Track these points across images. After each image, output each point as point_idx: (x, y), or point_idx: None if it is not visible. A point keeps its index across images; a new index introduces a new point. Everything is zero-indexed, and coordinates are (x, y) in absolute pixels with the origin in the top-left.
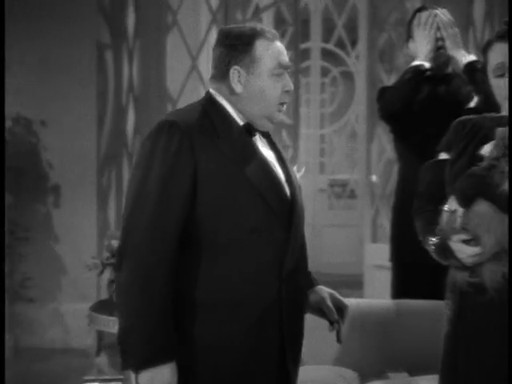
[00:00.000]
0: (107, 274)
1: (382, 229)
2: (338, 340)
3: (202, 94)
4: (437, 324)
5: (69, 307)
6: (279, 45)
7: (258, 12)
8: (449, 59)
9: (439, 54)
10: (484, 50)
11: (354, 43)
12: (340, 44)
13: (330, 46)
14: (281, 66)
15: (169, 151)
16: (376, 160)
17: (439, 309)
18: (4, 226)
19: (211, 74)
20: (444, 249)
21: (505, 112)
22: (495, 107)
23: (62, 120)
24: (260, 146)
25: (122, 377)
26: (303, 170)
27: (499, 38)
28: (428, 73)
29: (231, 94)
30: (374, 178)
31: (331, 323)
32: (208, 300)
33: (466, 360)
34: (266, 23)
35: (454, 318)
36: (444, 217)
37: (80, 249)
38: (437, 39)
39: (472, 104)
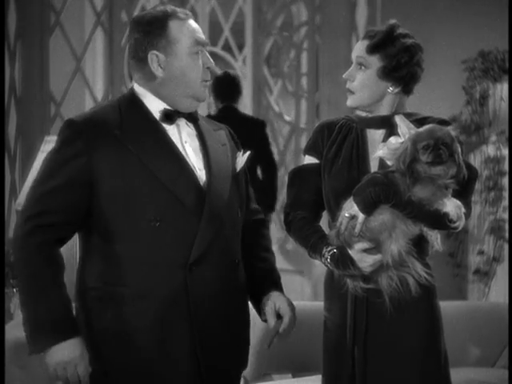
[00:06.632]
0: None
1: None
2: (268, 345)
3: (87, 95)
4: (317, 326)
5: None
6: (193, 23)
7: None
8: None
9: None
10: None
11: (240, 47)
12: (227, 48)
13: (217, 50)
14: (198, 43)
15: (61, 150)
16: None
17: (319, 311)
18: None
19: (130, 65)
20: (343, 258)
21: (364, 113)
22: None
23: None
24: (176, 133)
25: None
26: (246, 155)
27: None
28: None
29: (152, 80)
30: None
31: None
32: (111, 291)
33: (359, 363)
34: None
35: (342, 322)
36: (343, 222)
37: None
38: None
39: None
